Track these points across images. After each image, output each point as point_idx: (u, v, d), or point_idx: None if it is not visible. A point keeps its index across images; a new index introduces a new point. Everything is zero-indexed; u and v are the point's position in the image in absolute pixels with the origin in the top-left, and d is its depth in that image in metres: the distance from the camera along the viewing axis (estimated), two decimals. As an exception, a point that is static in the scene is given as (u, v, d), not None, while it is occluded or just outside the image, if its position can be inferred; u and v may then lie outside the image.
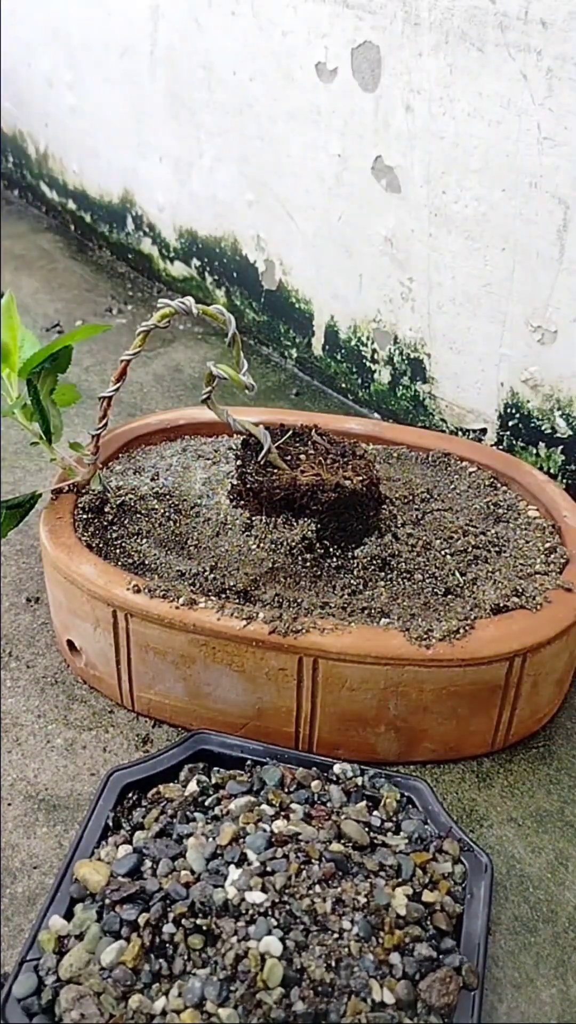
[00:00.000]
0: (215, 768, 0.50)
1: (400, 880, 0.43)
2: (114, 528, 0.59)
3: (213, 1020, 0.37)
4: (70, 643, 0.58)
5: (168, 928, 0.40)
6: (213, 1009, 0.37)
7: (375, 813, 0.47)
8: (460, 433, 0.81)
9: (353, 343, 0.90)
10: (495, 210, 0.70)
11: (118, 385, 0.55)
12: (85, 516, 0.59)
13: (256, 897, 0.40)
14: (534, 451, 0.74)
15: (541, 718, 0.57)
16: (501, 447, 0.77)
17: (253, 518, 0.57)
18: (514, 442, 0.76)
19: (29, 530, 0.72)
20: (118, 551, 0.58)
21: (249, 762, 0.50)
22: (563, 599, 0.53)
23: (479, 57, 0.67)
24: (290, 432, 0.58)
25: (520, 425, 0.75)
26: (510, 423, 0.76)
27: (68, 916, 0.42)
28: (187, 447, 0.69)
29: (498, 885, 0.48)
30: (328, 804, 0.47)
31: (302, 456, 0.56)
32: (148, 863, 0.43)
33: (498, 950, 0.45)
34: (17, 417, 0.58)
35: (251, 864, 0.42)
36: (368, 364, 0.89)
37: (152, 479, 0.64)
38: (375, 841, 0.45)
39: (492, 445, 0.78)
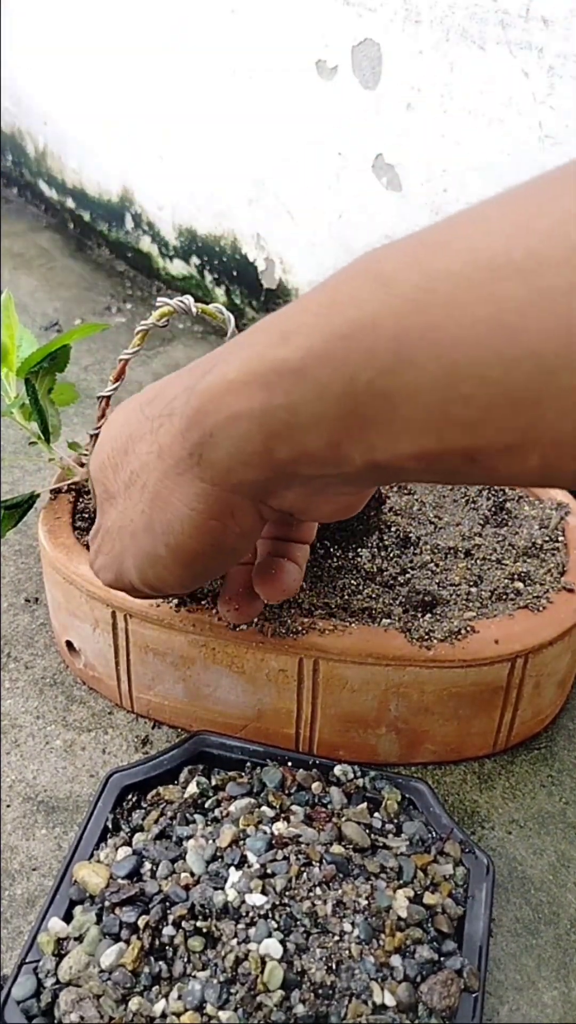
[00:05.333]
0: (215, 770, 0.49)
1: (401, 882, 0.43)
2: (113, 528, 0.59)
3: (213, 1023, 0.37)
4: (69, 644, 0.58)
5: (168, 930, 0.40)
6: (213, 1012, 0.37)
7: (376, 815, 0.47)
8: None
9: (353, 342, 0.90)
10: (496, 208, 0.70)
11: (117, 384, 0.54)
12: (84, 516, 0.59)
13: (256, 899, 0.40)
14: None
15: (543, 719, 0.56)
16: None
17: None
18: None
19: (28, 530, 0.71)
20: (117, 551, 0.58)
21: (249, 764, 0.49)
22: (565, 600, 0.53)
23: (480, 55, 0.66)
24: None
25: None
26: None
27: (67, 918, 0.42)
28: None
29: (500, 887, 0.48)
30: (329, 806, 0.47)
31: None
32: (148, 865, 0.43)
33: (500, 952, 0.45)
34: (15, 416, 0.58)
35: (251, 866, 0.42)
36: (368, 363, 0.89)
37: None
38: (376, 843, 0.45)
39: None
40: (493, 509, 0.61)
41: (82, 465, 0.60)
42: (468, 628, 0.50)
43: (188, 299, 0.50)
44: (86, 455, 0.59)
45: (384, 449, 0.27)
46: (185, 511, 0.33)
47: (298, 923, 0.39)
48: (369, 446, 0.27)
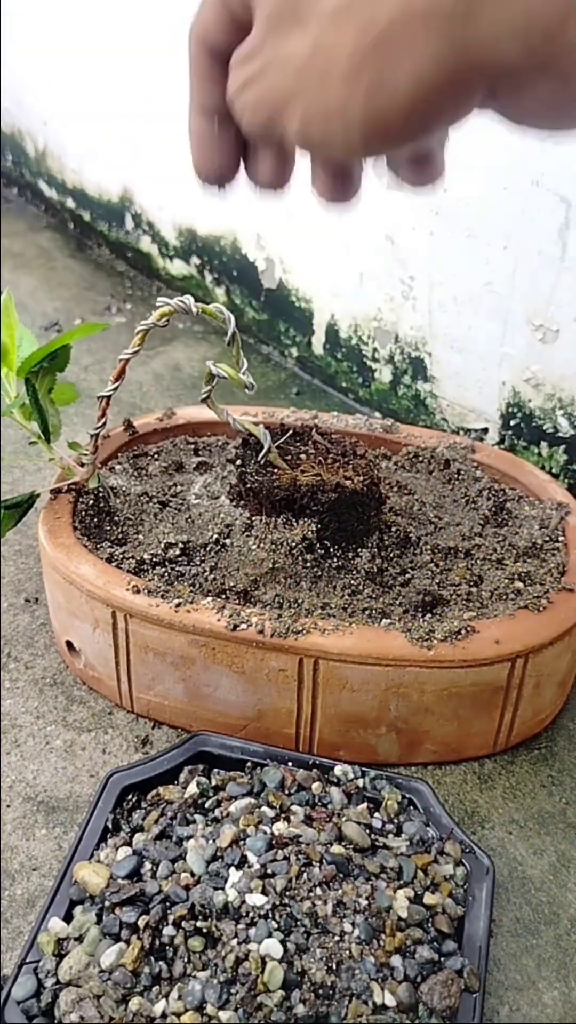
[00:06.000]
0: (215, 770, 0.49)
1: (401, 882, 0.43)
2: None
3: (213, 1023, 0.37)
4: (69, 644, 0.58)
5: (168, 931, 0.40)
6: (213, 1012, 0.37)
7: (376, 815, 0.47)
8: (462, 433, 0.81)
9: (354, 342, 0.90)
10: (497, 208, 0.70)
11: (117, 384, 0.54)
12: (84, 516, 0.58)
13: (256, 899, 0.40)
14: (536, 450, 0.74)
15: (543, 719, 0.56)
16: (503, 446, 0.77)
17: (253, 518, 0.57)
18: (516, 441, 0.76)
19: (28, 530, 0.71)
20: (117, 551, 0.58)
21: (249, 764, 0.49)
22: (565, 600, 0.53)
23: (480, 55, 0.66)
24: (290, 432, 0.58)
25: (522, 424, 0.75)
26: (512, 422, 0.76)
27: (68, 918, 0.42)
28: (186, 446, 0.69)
29: (500, 887, 0.48)
30: (329, 806, 0.47)
31: (302, 456, 0.56)
32: (148, 865, 0.43)
33: (500, 952, 0.45)
34: (15, 416, 0.58)
35: (251, 866, 0.42)
36: (369, 363, 0.89)
37: (151, 478, 0.64)
38: (376, 843, 0.45)
39: (494, 444, 0.78)
40: (493, 509, 0.61)
41: (82, 465, 0.60)
42: (468, 628, 0.50)
43: (188, 299, 0.50)
44: (86, 455, 0.59)
45: None
46: (408, 72, 0.27)
47: (298, 923, 0.39)
48: None
